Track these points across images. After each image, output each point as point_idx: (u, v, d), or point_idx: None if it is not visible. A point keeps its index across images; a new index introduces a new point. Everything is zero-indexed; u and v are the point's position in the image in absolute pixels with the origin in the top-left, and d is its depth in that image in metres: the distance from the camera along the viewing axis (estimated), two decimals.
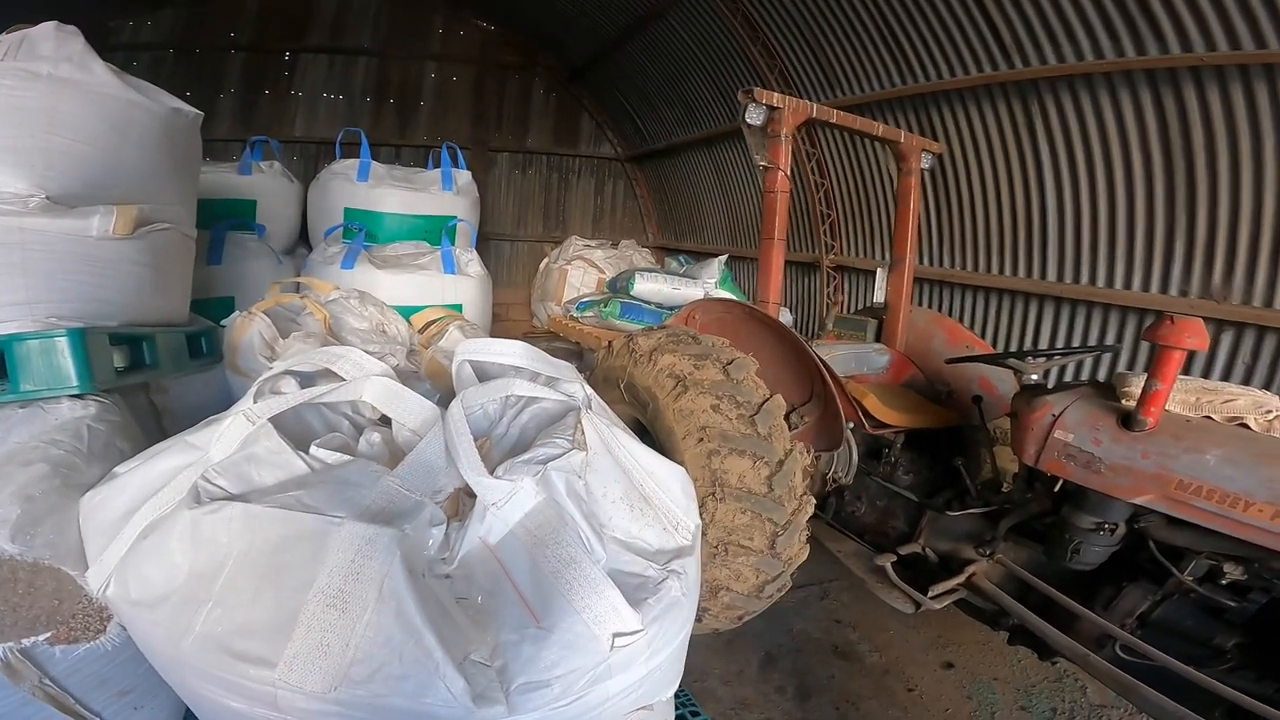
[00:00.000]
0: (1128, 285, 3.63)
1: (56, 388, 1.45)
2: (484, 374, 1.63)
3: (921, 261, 4.67)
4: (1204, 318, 3.18)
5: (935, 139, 4.29)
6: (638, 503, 1.49)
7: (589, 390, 1.64)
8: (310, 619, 0.93)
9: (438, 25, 8.03)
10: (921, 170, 3.09)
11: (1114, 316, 3.72)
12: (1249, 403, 1.77)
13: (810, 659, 2.63)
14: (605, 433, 1.50)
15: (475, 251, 4.98)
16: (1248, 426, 1.76)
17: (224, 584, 0.97)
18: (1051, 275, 3.97)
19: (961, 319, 4.47)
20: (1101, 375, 3.79)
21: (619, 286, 5.26)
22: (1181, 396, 1.83)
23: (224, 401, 2.06)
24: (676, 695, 2.10)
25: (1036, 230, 3.99)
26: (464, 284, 4.68)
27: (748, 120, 2.50)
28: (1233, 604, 1.70)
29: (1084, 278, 3.80)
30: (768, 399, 2.13)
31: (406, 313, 3.42)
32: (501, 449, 1.46)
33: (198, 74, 7.12)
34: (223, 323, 2.62)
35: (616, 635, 1.14)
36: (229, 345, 2.50)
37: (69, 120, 1.73)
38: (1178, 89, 3.13)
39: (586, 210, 8.98)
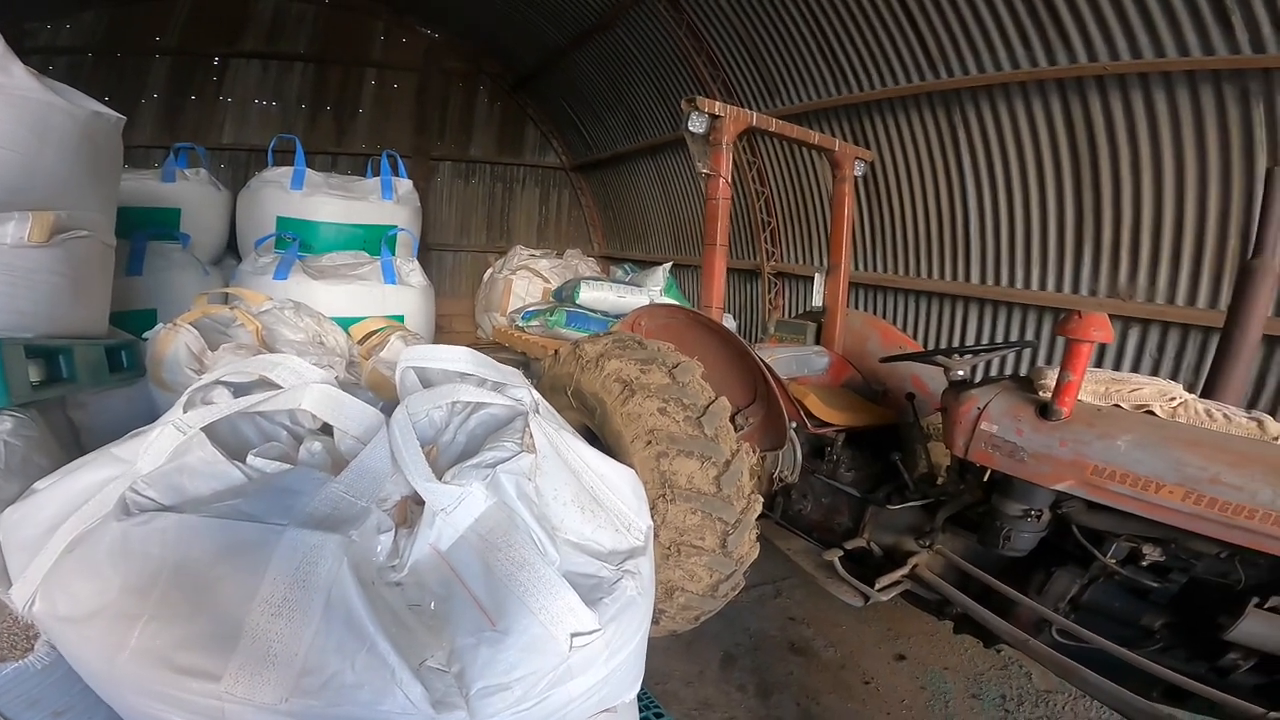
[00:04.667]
0: (1043, 286, 3.90)
1: None
2: (428, 382, 1.61)
3: (856, 267, 4.88)
4: (1112, 315, 3.48)
5: (868, 147, 4.50)
6: (589, 504, 1.50)
7: (536, 395, 1.64)
8: (255, 629, 0.90)
9: (379, 31, 7.87)
10: (855, 177, 3.22)
11: (1031, 315, 3.99)
12: (1154, 391, 1.90)
13: (768, 657, 2.67)
14: (554, 436, 1.51)
15: (417, 261, 4.89)
16: (1154, 413, 1.88)
17: (159, 597, 0.92)
18: (975, 278, 4.22)
19: (894, 321, 4.69)
20: (1023, 371, 4.04)
21: (564, 295, 5.26)
22: (1092, 387, 1.96)
23: (146, 417, 1.95)
24: (640, 698, 2.11)
25: (960, 234, 4.24)
26: (405, 294, 4.58)
27: (690, 128, 2.56)
28: (1155, 584, 1.76)
29: (1004, 279, 4.06)
30: (713, 401, 2.17)
31: (345, 324, 3.33)
32: (449, 455, 1.44)
33: (119, 78, 6.75)
34: (145, 335, 2.49)
35: (575, 635, 1.15)
36: (152, 359, 2.37)
37: None
38: (1084, 97, 3.39)
39: (531, 220, 8.93)
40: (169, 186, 4.35)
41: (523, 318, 5.50)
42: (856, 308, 4.89)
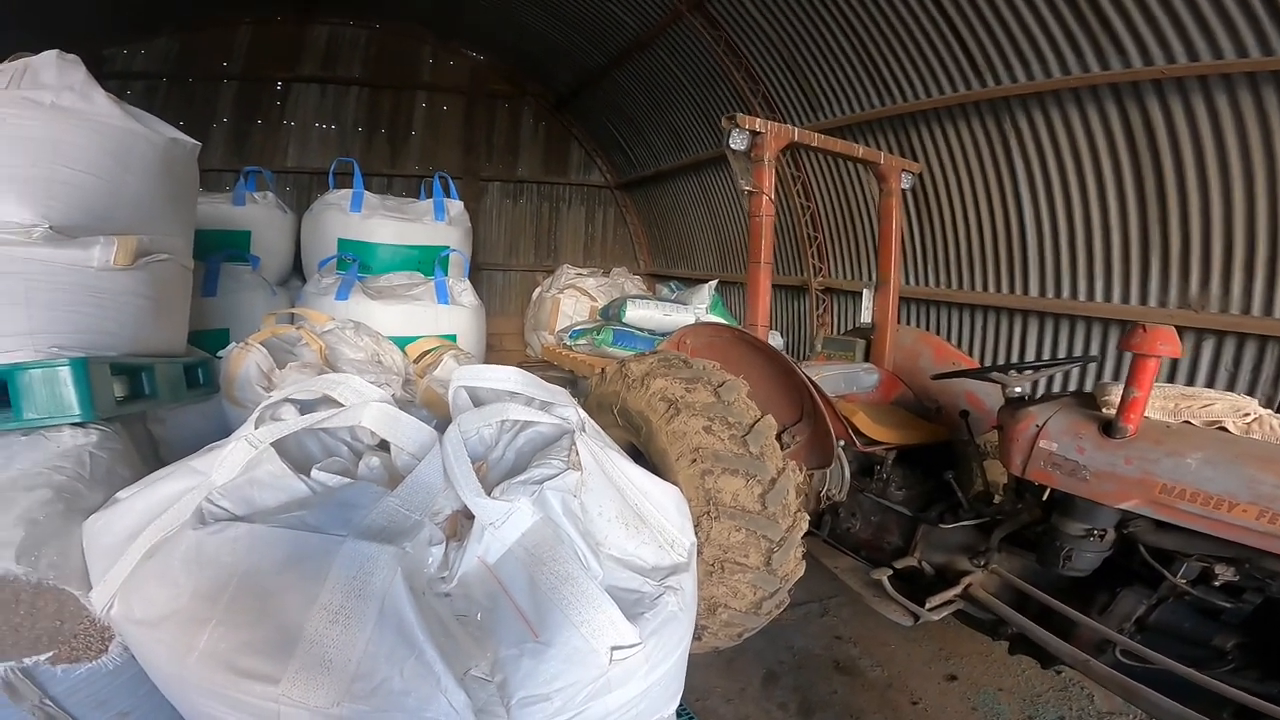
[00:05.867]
0: (1107, 298, 3.71)
1: (59, 416, 1.48)
2: (479, 400, 1.67)
3: (907, 281, 4.77)
4: (1183, 327, 3.30)
5: (915, 159, 4.40)
6: (633, 521, 1.52)
7: (583, 414, 1.68)
8: (313, 635, 0.95)
9: (427, 55, 8.13)
10: (902, 190, 3.17)
11: (1096, 329, 3.80)
12: (1227, 406, 1.82)
13: (812, 675, 2.61)
14: (599, 454, 1.53)
15: (468, 281, 5.04)
16: (1226, 430, 1.80)
17: (228, 602, 0.98)
18: (1034, 290, 4.06)
19: (948, 336, 4.54)
20: (1087, 387, 3.85)
21: (611, 314, 5.32)
22: (1160, 403, 1.87)
23: (220, 431, 2.07)
24: (679, 713, 2.10)
25: (1016, 246, 4.09)
26: (458, 314, 4.72)
27: (731, 145, 2.56)
28: (1228, 605, 1.70)
29: (1065, 292, 3.89)
30: (759, 419, 2.16)
31: (401, 343, 3.46)
32: (498, 472, 1.49)
33: (190, 103, 7.17)
34: (219, 354, 2.65)
35: (615, 648, 1.16)
36: (226, 376, 2.52)
37: (71, 150, 1.77)
38: (1141, 101, 3.25)
39: (578, 238, 9.05)
40: (240, 210, 4.63)
41: (570, 336, 5.58)
42: (909, 323, 4.77)
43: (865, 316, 3.43)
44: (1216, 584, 1.69)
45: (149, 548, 1.06)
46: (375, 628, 0.97)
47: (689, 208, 7.64)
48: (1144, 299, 3.55)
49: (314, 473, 1.23)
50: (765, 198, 2.61)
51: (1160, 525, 1.75)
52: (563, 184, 8.82)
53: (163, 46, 7.10)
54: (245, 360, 2.59)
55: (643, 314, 5.09)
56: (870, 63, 4.46)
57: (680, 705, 2.17)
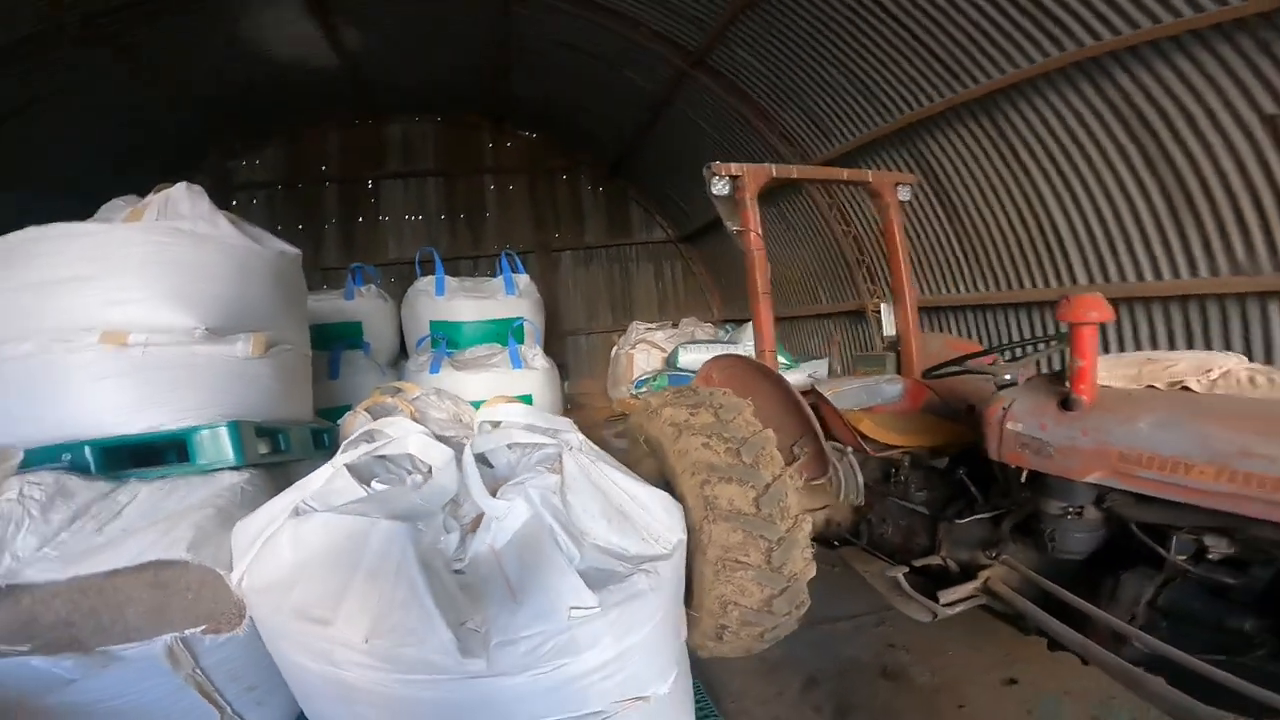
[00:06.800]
0: (1158, 275, 3.55)
1: (221, 463, 2.11)
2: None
3: (949, 289, 4.78)
4: (1248, 293, 3.08)
5: (930, 167, 4.48)
6: (615, 517, 1.88)
7: (581, 437, 2.08)
8: (355, 590, 1.40)
9: (487, 141, 9.02)
10: (902, 203, 3.26)
11: (1157, 309, 3.63)
12: (1190, 365, 1.79)
13: (855, 681, 2.65)
14: (586, 464, 1.93)
15: (539, 347, 5.68)
16: (1189, 389, 1.77)
17: (308, 570, 1.46)
18: (1081, 277, 3.95)
19: (1002, 337, 4.48)
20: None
21: (670, 361, 5.75)
22: (1123, 370, 1.88)
23: None
24: (706, 713, 2.31)
25: (1052, 236, 4.02)
26: (531, 376, 5.35)
27: (714, 192, 2.87)
28: (1232, 581, 1.58)
29: (1112, 275, 3.77)
30: (756, 433, 2.43)
31: (479, 405, 4.09)
32: (510, 480, 1.92)
33: (303, 205, 8.36)
34: (338, 421, 3.36)
35: (574, 608, 1.51)
36: (342, 436, 3.21)
37: (211, 268, 2.40)
38: (1131, 72, 3.22)
39: (650, 295, 9.54)
40: (351, 304, 5.56)
41: (636, 386, 6.05)
42: (957, 332, 4.77)
43: (888, 330, 3.57)
44: (1213, 558, 1.59)
45: (266, 536, 1.58)
46: (393, 585, 1.40)
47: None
48: (1194, 270, 3.38)
49: (373, 484, 1.73)
50: (753, 234, 2.94)
51: (1139, 498, 1.70)
52: (628, 244, 9.40)
53: (272, 156, 8.31)
54: (354, 422, 3.27)
55: (692, 357, 5.47)
56: (864, 85, 4.68)
57: (710, 707, 2.39)
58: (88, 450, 2.04)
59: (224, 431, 2.16)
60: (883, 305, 3.62)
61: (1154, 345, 3.60)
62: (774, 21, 4.81)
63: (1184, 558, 1.63)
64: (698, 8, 5.18)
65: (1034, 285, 4.26)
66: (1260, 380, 1.68)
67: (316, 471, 1.77)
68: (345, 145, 8.67)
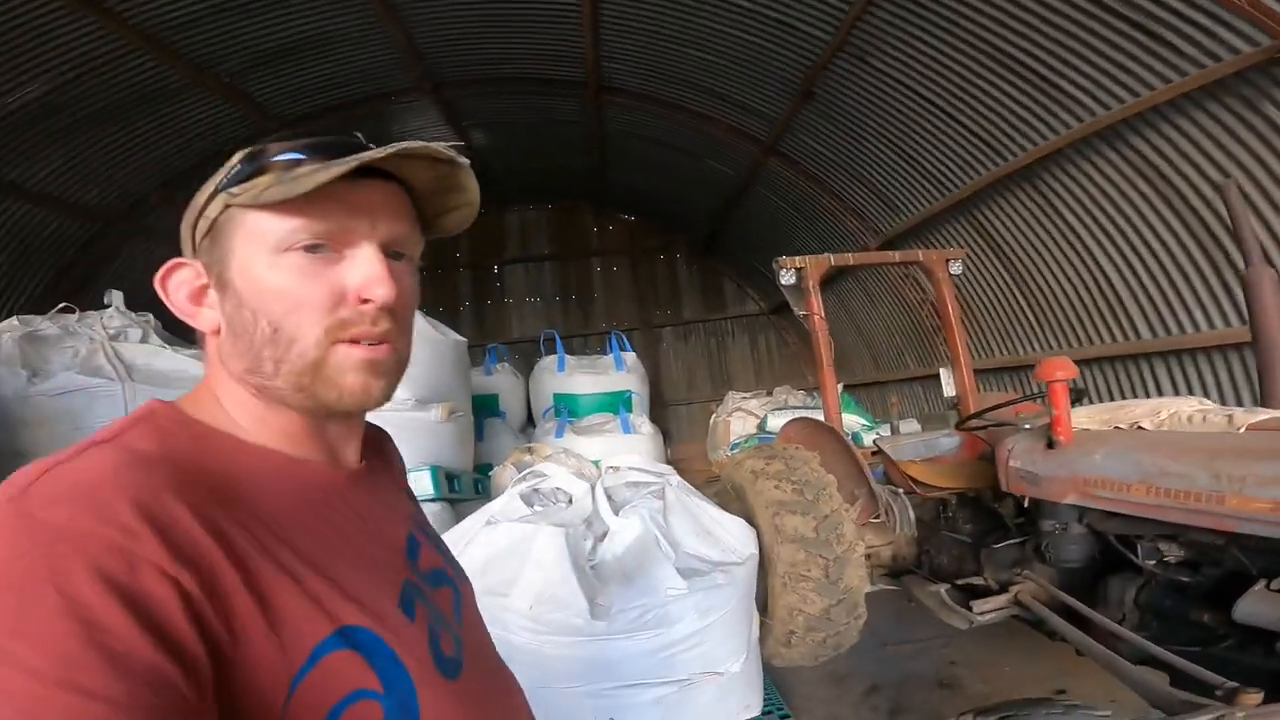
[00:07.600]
0: (1227, 323, 3.65)
1: (422, 496, 3.06)
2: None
3: (1021, 351, 5.10)
4: None
5: (988, 235, 4.84)
6: (702, 534, 2.61)
7: (679, 478, 2.84)
8: (525, 574, 2.21)
9: (590, 224, 9.91)
10: (954, 276, 3.72)
11: (1233, 356, 3.71)
12: (1145, 409, 2.24)
13: (913, 688, 3.04)
14: (682, 495, 2.69)
15: (646, 416, 6.53)
16: (1143, 428, 2.20)
17: (496, 563, 2.29)
18: (1144, 333, 4.17)
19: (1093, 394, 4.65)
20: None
21: (761, 425, 6.39)
22: (1099, 416, 2.36)
23: None
24: (774, 708, 2.85)
25: (1109, 291, 4.28)
26: (639, 440, 6.18)
27: (783, 282, 3.55)
28: (1188, 580, 1.92)
29: (1186, 327, 3.89)
30: (818, 478, 3.07)
31: (597, 463, 4.95)
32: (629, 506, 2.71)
33: (442, 290, 9.44)
34: (489, 473, 4.34)
35: (669, 588, 2.23)
36: (494, 484, 4.16)
37: (416, 354, 3.51)
38: (1159, 130, 3.46)
39: (746, 365, 10.04)
40: (489, 379, 6.70)
41: (731, 449, 6.70)
42: (1024, 390, 5.06)
43: (948, 392, 4.03)
44: (1170, 560, 1.97)
45: (469, 539, 2.44)
46: (549, 570, 2.19)
47: (832, 321, 8.45)
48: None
49: (535, 506, 2.58)
50: (817, 317, 3.63)
51: (1107, 514, 2.14)
52: (723, 319, 10.04)
53: None
54: (505, 474, 4.24)
55: (780, 422, 6.04)
56: (918, 164, 5.16)
57: (778, 701, 2.92)
58: None
59: (425, 474, 3.15)
60: (941, 370, 4.06)
61: (1207, 394, 3.76)
62: (829, 111, 5.44)
63: (1152, 562, 2.02)
64: (763, 104, 5.90)
65: (1101, 341, 4.52)
66: (1197, 419, 2.14)
67: (499, 497, 2.65)
68: (472, 234, 9.55)
